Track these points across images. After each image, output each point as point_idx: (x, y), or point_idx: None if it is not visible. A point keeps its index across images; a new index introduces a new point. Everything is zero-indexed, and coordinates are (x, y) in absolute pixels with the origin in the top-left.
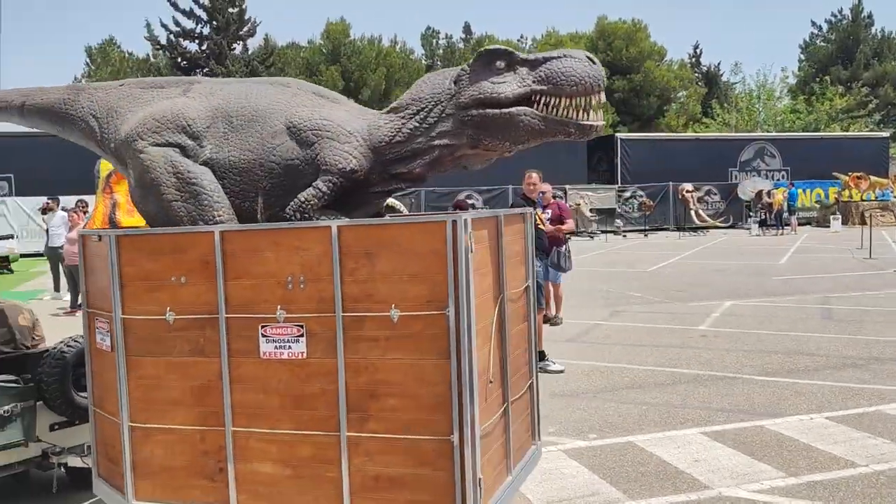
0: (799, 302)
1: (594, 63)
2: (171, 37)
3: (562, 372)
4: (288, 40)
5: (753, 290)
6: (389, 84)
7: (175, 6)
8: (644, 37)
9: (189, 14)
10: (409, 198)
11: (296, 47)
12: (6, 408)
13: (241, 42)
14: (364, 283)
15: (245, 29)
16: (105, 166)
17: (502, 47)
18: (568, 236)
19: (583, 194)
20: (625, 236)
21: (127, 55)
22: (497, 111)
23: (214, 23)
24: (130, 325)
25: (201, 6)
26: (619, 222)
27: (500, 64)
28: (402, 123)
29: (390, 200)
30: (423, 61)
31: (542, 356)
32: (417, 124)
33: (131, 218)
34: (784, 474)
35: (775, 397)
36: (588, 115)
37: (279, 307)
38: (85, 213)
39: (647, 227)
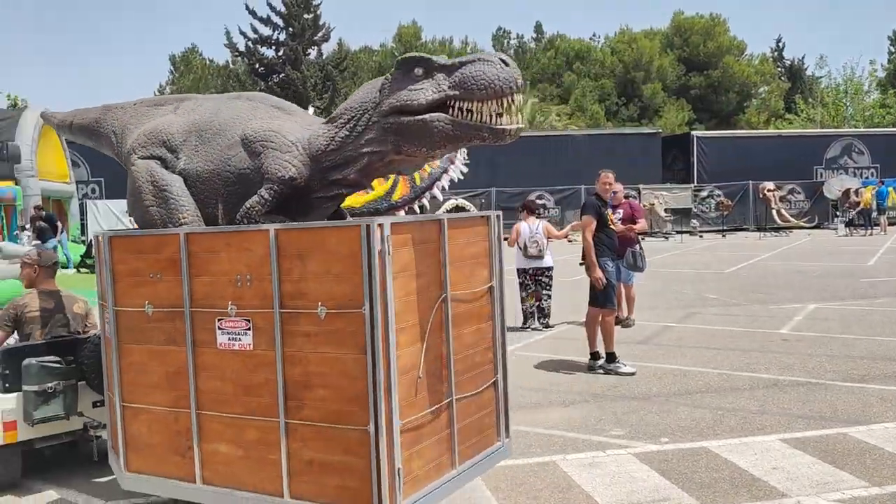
0: (888, 305)
1: (507, 65)
2: (249, 44)
3: (633, 374)
4: (361, 44)
5: (840, 292)
6: None
7: (253, 14)
8: (722, 31)
9: (266, 21)
10: (479, 198)
11: (368, 51)
12: (50, 385)
13: (315, 47)
14: (297, 282)
15: (319, 34)
16: None
17: (419, 55)
18: (641, 236)
19: (657, 194)
20: (701, 237)
21: (208, 62)
22: (412, 118)
23: (290, 29)
24: (121, 317)
25: (278, 13)
26: (695, 222)
27: (419, 71)
28: (336, 132)
29: (460, 201)
30: None
31: (612, 358)
32: (348, 133)
33: None
34: (867, 483)
35: (860, 404)
36: (501, 119)
37: (230, 303)
38: None
39: (725, 228)
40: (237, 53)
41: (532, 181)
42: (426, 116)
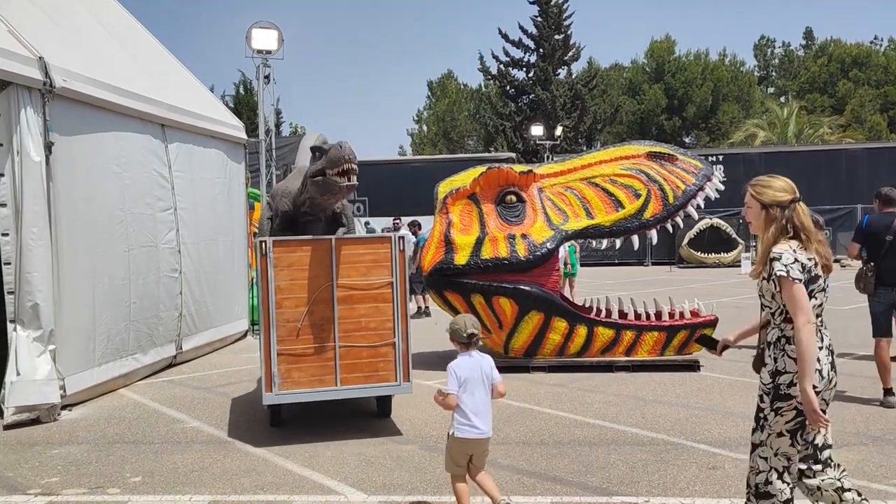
0: None
1: (342, 147)
2: (501, 66)
3: None
4: (611, 62)
5: None
6: (716, 99)
7: (506, 37)
8: None
9: (518, 44)
10: (737, 218)
11: (619, 68)
12: None
13: (565, 67)
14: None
15: (570, 54)
16: (442, 189)
17: (317, 145)
18: None
19: None
20: None
21: (462, 87)
22: (311, 179)
23: (541, 50)
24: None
25: (529, 35)
26: None
27: (317, 154)
28: (301, 188)
29: (715, 220)
30: (756, 73)
31: (888, 392)
32: (303, 187)
33: (465, 236)
34: None
35: None
36: (342, 179)
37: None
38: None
39: None
40: (489, 77)
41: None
42: (317, 178)
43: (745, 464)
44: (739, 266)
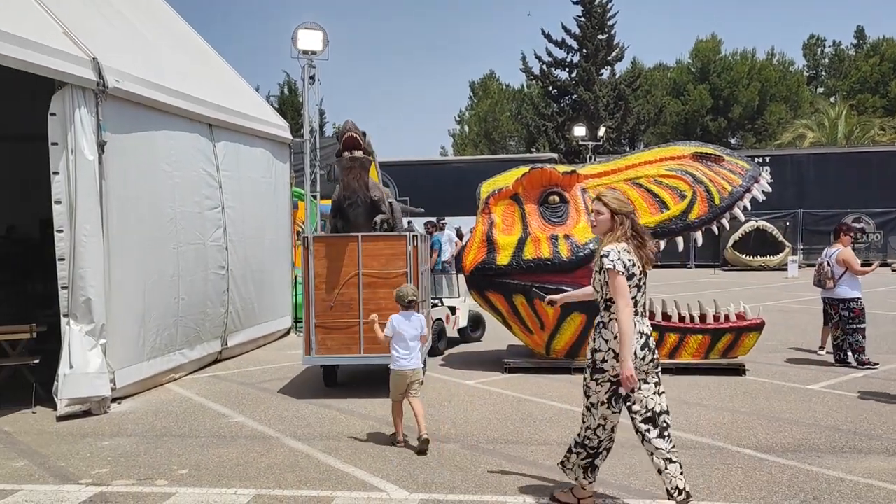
0: None
1: (345, 124)
2: (544, 67)
3: None
4: (655, 62)
5: None
6: (764, 99)
7: (549, 38)
8: None
9: (561, 44)
10: (784, 220)
11: (663, 68)
12: None
13: (608, 67)
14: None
15: (613, 54)
16: (485, 189)
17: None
18: None
19: None
20: None
21: (504, 87)
22: (336, 162)
23: (584, 50)
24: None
25: (573, 35)
26: None
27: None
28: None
29: (761, 222)
30: (805, 72)
31: None
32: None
33: (507, 236)
34: None
35: None
36: (346, 153)
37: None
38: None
39: None
40: (532, 77)
41: (846, 202)
42: (338, 159)
43: (793, 470)
44: (786, 269)
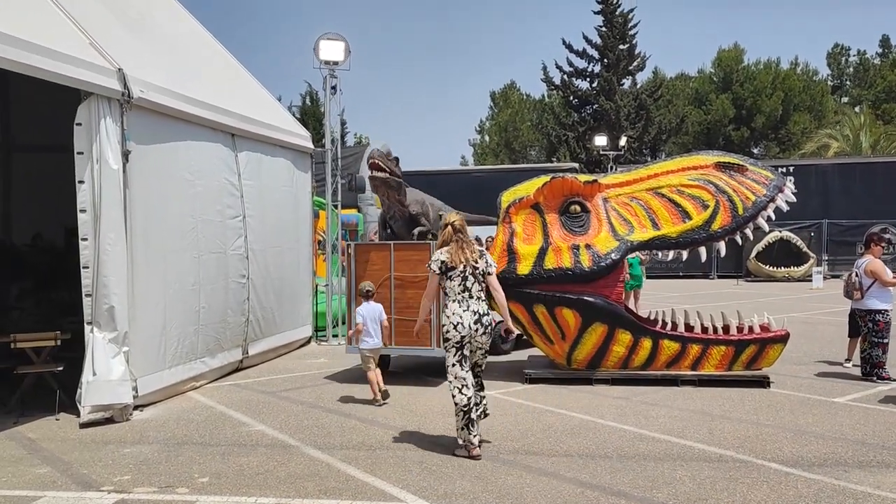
0: None
1: (370, 153)
2: (565, 77)
3: None
4: (677, 71)
5: None
6: (787, 109)
7: (569, 48)
8: None
9: (581, 54)
10: (808, 230)
11: (685, 78)
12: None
13: (630, 77)
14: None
15: (634, 64)
16: (506, 199)
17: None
18: None
19: None
20: None
21: (524, 97)
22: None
23: (605, 60)
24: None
25: (594, 45)
26: None
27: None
28: None
29: (785, 233)
30: (829, 82)
31: None
32: None
33: (528, 245)
34: None
35: None
36: (371, 172)
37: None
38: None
39: None
40: (552, 87)
41: (873, 213)
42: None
43: (820, 485)
44: (811, 281)
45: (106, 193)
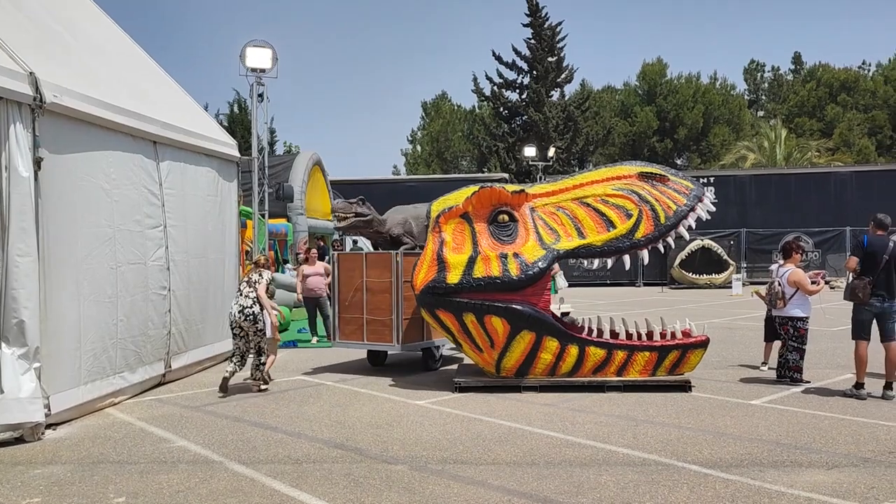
0: None
1: (334, 208)
2: (495, 88)
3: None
4: (604, 84)
5: None
6: (707, 122)
7: (499, 59)
8: None
9: (511, 66)
10: (728, 239)
11: (611, 90)
12: None
13: (558, 89)
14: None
15: (563, 76)
16: (435, 208)
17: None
18: None
19: None
20: None
21: (456, 107)
22: None
23: (534, 72)
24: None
25: (523, 58)
26: None
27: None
28: None
29: (707, 241)
30: (746, 96)
31: (858, 386)
32: None
33: (457, 255)
34: None
35: None
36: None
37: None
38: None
39: None
40: (483, 98)
41: (786, 222)
42: None
43: (737, 485)
44: (731, 287)
45: (15, 202)
